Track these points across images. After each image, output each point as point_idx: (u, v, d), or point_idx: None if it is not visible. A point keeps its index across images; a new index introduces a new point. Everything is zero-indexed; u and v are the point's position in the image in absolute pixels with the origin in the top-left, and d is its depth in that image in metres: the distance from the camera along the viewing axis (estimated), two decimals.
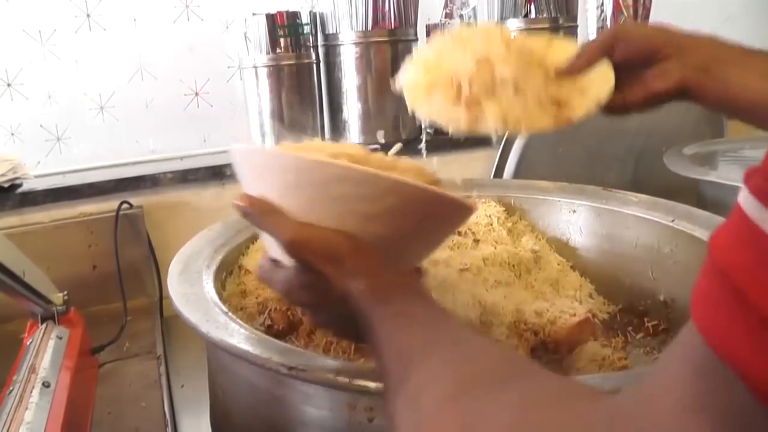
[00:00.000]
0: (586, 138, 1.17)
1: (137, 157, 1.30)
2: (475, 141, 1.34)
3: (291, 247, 0.47)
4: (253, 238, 0.86)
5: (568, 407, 0.30)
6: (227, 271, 0.80)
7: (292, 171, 0.47)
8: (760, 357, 0.22)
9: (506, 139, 1.21)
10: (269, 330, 0.70)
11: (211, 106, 1.36)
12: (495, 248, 0.84)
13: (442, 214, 0.52)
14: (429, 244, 0.57)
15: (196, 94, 1.34)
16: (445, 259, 0.80)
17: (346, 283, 0.45)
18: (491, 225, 0.91)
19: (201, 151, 1.35)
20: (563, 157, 1.18)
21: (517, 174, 1.20)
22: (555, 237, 0.94)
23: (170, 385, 0.93)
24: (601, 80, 0.61)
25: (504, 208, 0.95)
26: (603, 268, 0.88)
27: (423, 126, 0.71)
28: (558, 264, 0.86)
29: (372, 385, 0.49)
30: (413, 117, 1.39)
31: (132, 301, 1.10)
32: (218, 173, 1.23)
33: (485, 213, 0.92)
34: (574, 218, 0.93)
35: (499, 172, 1.22)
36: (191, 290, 0.67)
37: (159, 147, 1.33)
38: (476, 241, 0.88)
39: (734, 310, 0.23)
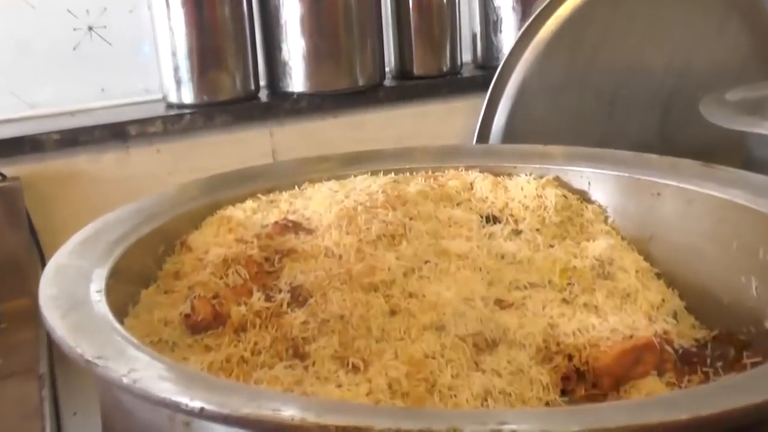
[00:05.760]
0: (598, 80, 1.01)
1: (12, 114, 1.16)
2: (454, 86, 1.23)
3: None
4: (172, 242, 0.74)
5: None
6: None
7: None
8: None
9: (494, 84, 1.05)
10: (187, 320, 0.63)
11: (110, 44, 1.21)
12: (540, 246, 0.72)
13: None
14: None
15: (90, 28, 1.19)
16: (465, 253, 0.69)
17: None
18: (544, 209, 0.77)
19: (98, 104, 1.21)
20: (569, 105, 1.02)
21: (510, 129, 1.04)
22: (631, 232, 0.79)
23: (59, 413, 0.92)
24: None
25: (562, 193, 0.80)
26: (696, 277, 0.72)
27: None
28: (637, 270, 0.71)
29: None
30: (374, 57, 1.23)
31: (8, 304, 1.00)
32: (121, 133, 1.12)
33: (536, 193, 0.78)
34: (659, 204, 0.77)
35: (485, 127, 1.06)
36: (70, 293, 0.57)
37: (41, 100, 1.18)
38: (517, 231, 0.75)
39: None
